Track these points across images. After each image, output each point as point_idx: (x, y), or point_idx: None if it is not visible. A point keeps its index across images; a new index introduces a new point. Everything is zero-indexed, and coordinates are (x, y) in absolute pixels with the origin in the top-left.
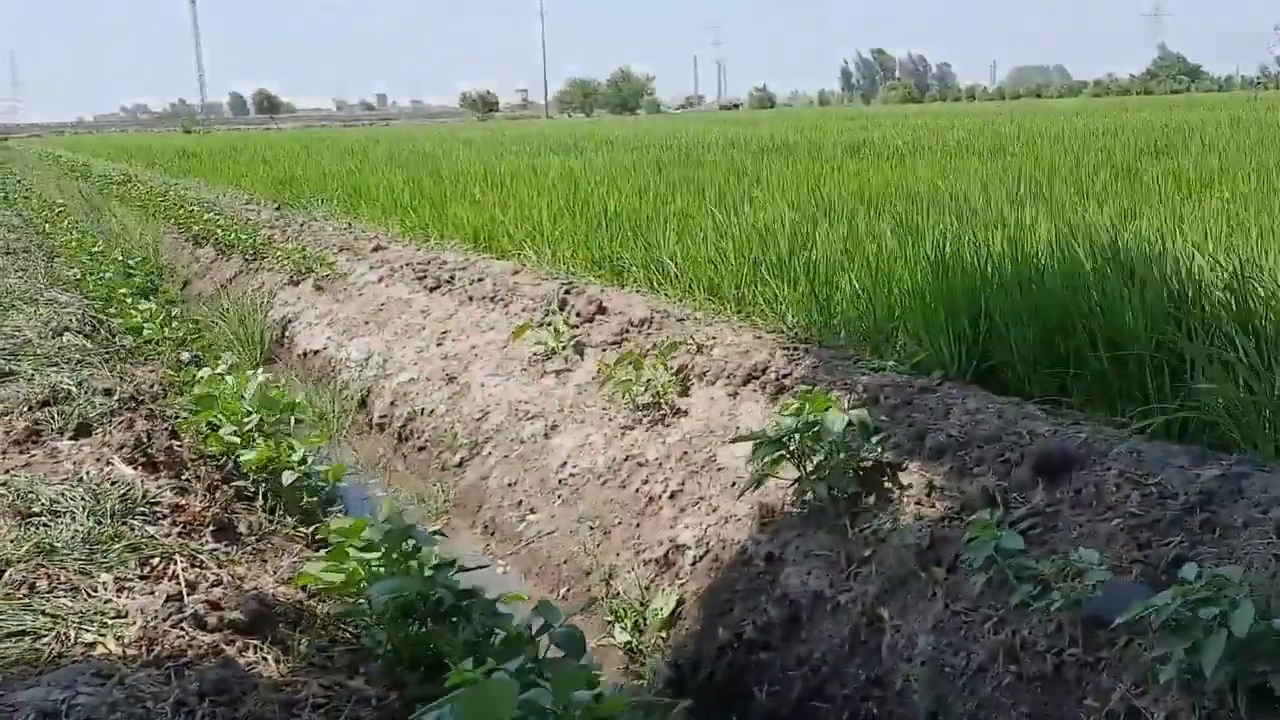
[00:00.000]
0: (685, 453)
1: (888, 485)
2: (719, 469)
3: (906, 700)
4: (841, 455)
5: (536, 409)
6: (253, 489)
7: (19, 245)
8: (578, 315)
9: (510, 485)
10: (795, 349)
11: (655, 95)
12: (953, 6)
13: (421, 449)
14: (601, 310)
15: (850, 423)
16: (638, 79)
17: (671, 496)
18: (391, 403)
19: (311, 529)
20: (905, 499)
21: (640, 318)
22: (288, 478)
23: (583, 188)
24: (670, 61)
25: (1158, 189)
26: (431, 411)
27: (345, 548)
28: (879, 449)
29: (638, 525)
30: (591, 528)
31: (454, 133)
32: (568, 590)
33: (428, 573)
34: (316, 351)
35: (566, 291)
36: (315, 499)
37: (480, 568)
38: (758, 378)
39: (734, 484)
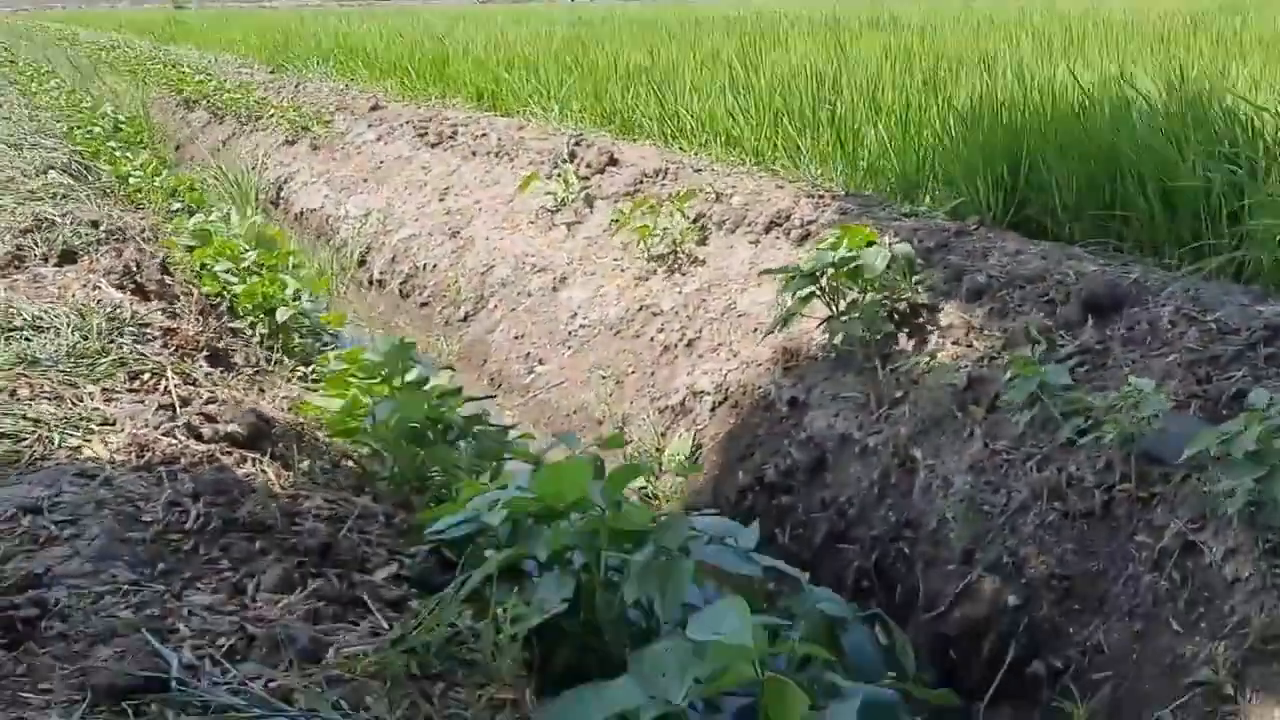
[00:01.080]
0: (703, 300)
1: (924, 326)
2: (740, 315)
3: (941, 540)
4: (878, 294)
5: (545, 261)
6: (249, 330)
7: (2, 103)
8: (588, 166)
9: (517, 338)
10: (820, 197)
11: None
12: None
13: (424, 305)
14: (613, 162)
15: (894, 257)
16: None
17: (688, 345)
18: (392, 259)
19: (309, 368)
20: (942, 339)
21: (654, 168)
22: (282, 314)
23: (591, 50)
24: None
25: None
26: (434, 267)
27: (345, 376)
28: (916, 289)
29: (652, 374)
30: (604, 377)
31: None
32: (580, 437)
33: (434, 399)
34: (313, 210)
35: (576, 143)
36: (314, 341)
37: (489, 397)
38: (780, 225)
39: (755, 330)
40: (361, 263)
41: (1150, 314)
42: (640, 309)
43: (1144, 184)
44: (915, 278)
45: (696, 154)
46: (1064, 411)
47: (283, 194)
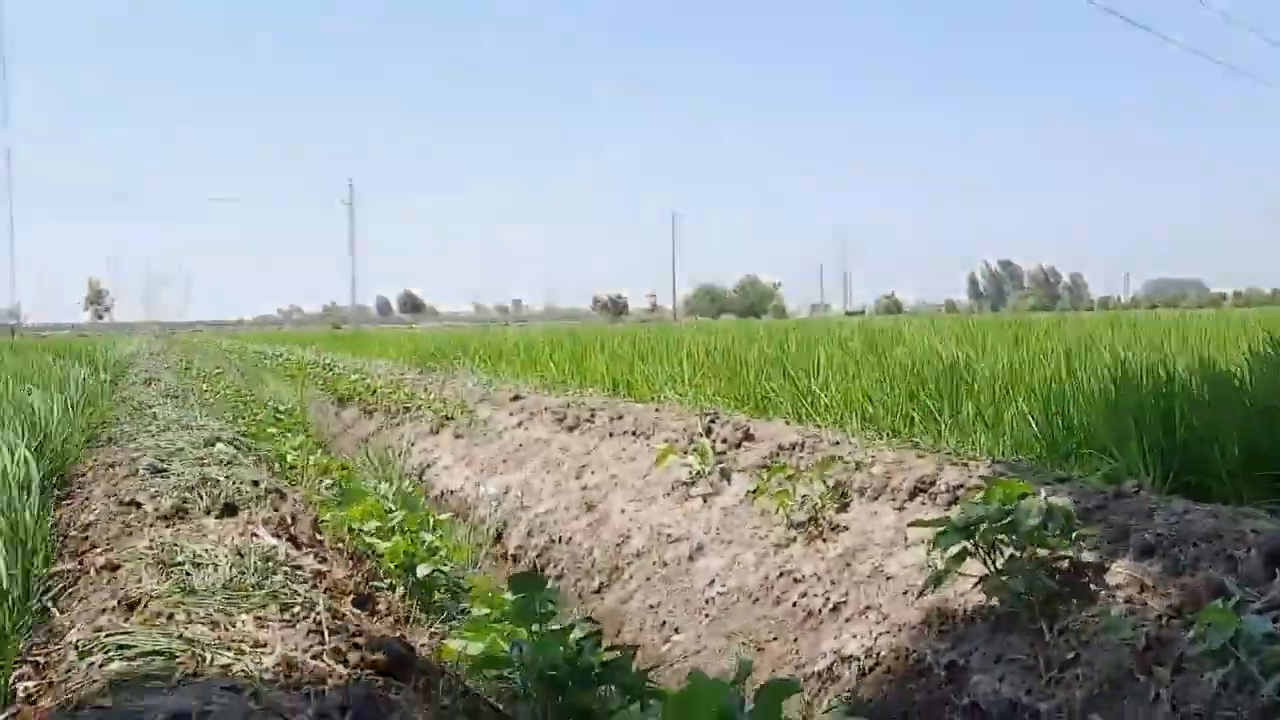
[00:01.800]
0: (848, 565)
1: (1090, 585)
2: (888, 578)
3: None
4: (1038, 550)
5: (680, 532)
6: (391, 583)
7: (177, 394)
8: (723, 441)
9: (653, 607)
10: (965, 464)
11: (781, 301)
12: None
13: (559, 577)
14: (749, 437)
15: (1050, 511)
16: (764, 285)
17: (834, 609)
18: (528, 533)
19: (447, 626)
20: (1112, 598)
21: (791, 442)
22: (422, 570)
23: (721, 342)
24: (796, 269)
25: None
26: (569, 539)
27: (487, 621)
28: (1079, 546)
29: (795, 640)
30: (743, 643)
31: (586, 328)
32: None
33: (575, 643)
34: (453, 491)
35: (711, 420)
36: (453, 601)
37: (632, 647)
38: (925, 490)
39: (905, 592)
40: (498, 539)
41: None
42: (780, 575)
43: None
44: (1076, 533)
45: (832, 429)
46: (1264, 668)
47: (425, 477)
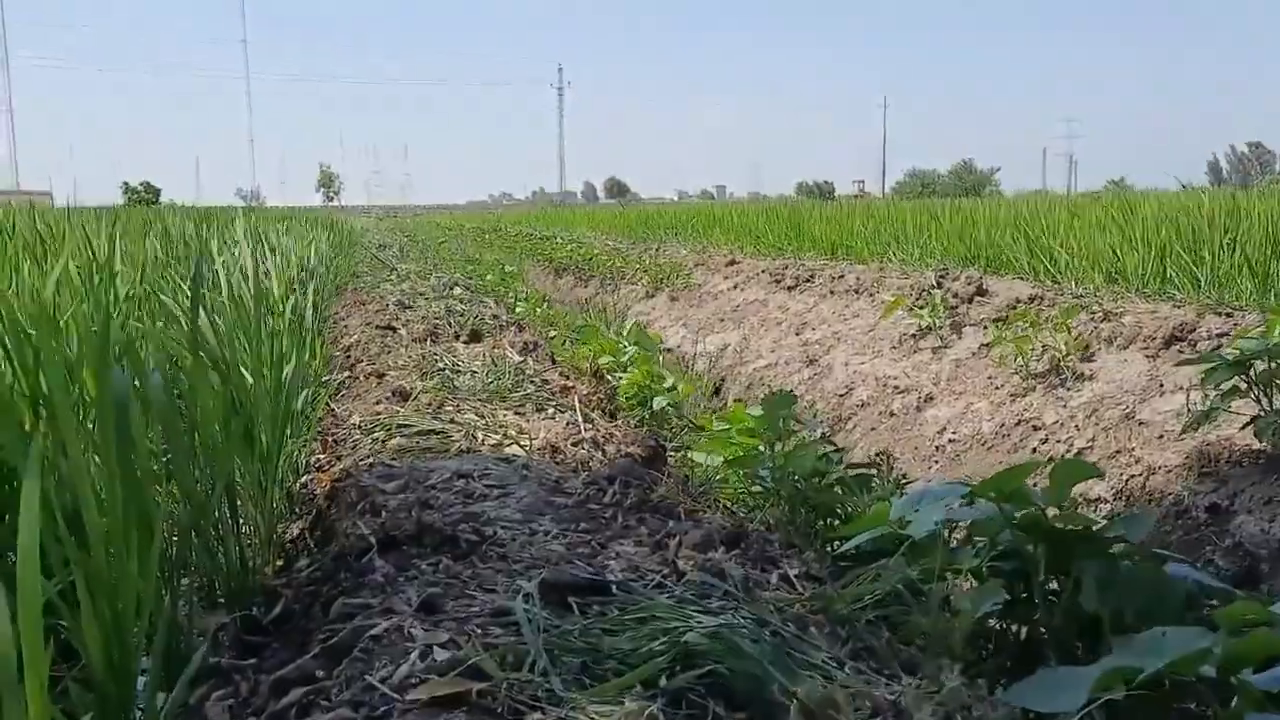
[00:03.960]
0: (1095, 411)
1: None
2: (1140, 424)
3: None
4: None
5: (909, 382)
6: (628, 415)
7: (409, 257)
8: (954, 296)
9: (879, 454)
10: (1229, 314)
11: (999, 187)
12: None
13: None
14: (981, 291)
15: None
16: (980, 171)
17: (1079, 454)
18: (747, 386)
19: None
20: None
21: (1028, 295)
22: (658, 403)
23: (946, 209)
24: (1017, 154)
25: None
26: (790, 391)
27: (727, 436)
28: None
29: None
30: None
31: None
32: None
33: (820, 454)
34: (670, 350)
35: (942, 275)
36: (683, 430)
37: (873, 464)
38: (1184, 338)
39: (1160, 436)
40: (716, 392)
41: None
42: (1019, 423)
43: None
44: None
45: (1075, 284)
46: None
47: None
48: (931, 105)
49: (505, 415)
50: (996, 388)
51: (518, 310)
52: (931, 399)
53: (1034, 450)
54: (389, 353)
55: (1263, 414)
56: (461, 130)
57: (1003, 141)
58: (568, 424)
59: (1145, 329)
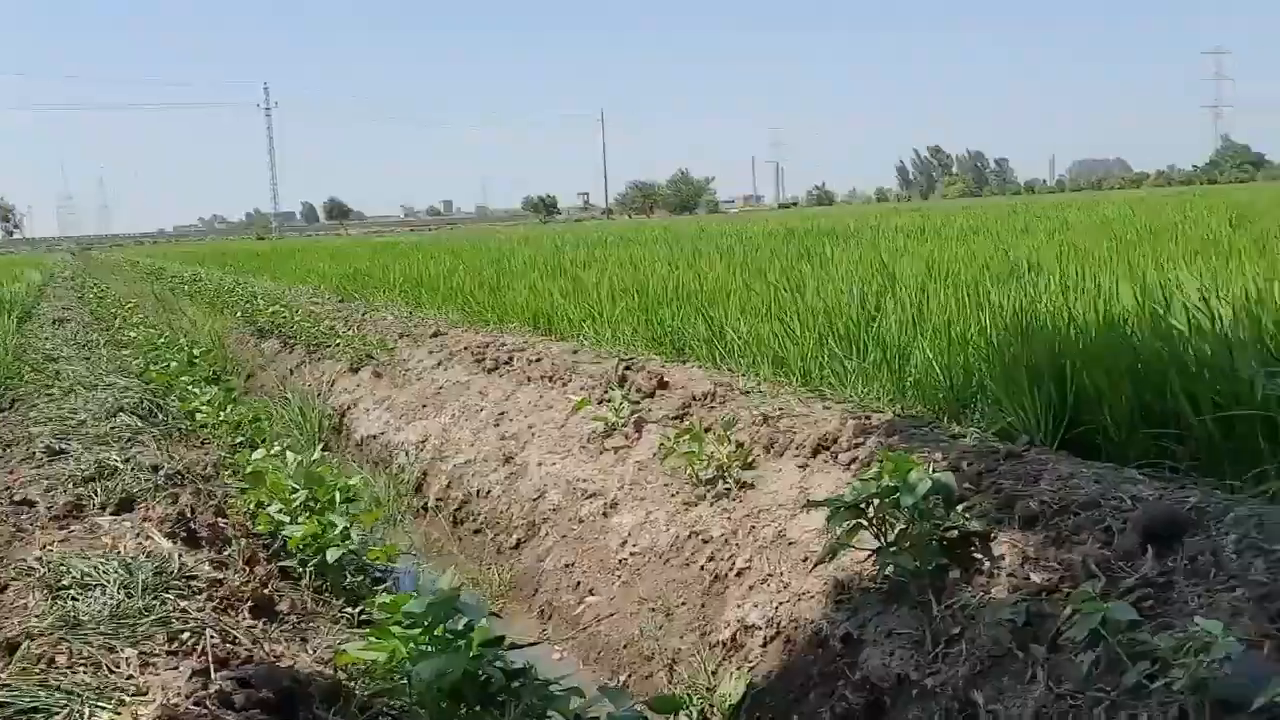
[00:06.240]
0: (753, 527)
1: (976, 556)
2: (789, 544)
3: None
4: (925, 523)
5: (595, 487)
6: (299, 568)
7: (88, 338)
8: (638, 391)
9: (568, 566)
10: (867, 419)
11: (714, 195)
12: (1009, 103)
13: (477, 531)
14: (663, 385)
15: (935, 486)
16: (697, 181)
17: (738, 574)
18: (447, 485)
19: (358, 609)
20: (997, 571)
21: (703, 391)
22: (332, 554)
23: (642, 269)
24: (729, 164)
25: (1239, 256)
26: (487, 493)
27: (388, 625)
28: (965, 517)
29: (703, 605)
30: (653, 609)
31: (514, 234)
32: (629, 676)
33: (475, 650)
34: (374, 437)
35: (627, 368)
36: (363, 579)
37: (532, 644)
38: (828, 448)
39: (805, 559)
40: (418, 489)
41: (1213, 543)
42: (690, 535)
43: (1197, 404)
44: (963, 505)
45: (745, 375)
46: (1131, 653)
47: (345, 420)
48: (649, 119)
49: (128, 660)
50: (672, 495)
51: (199, 417)
52: (617, 505)
53: (702, 567)
54: (14, 544)
55: (881, 547)
56: (169, 152)
57: (717, 153)
58: (192, 674)
59: (798, 436)
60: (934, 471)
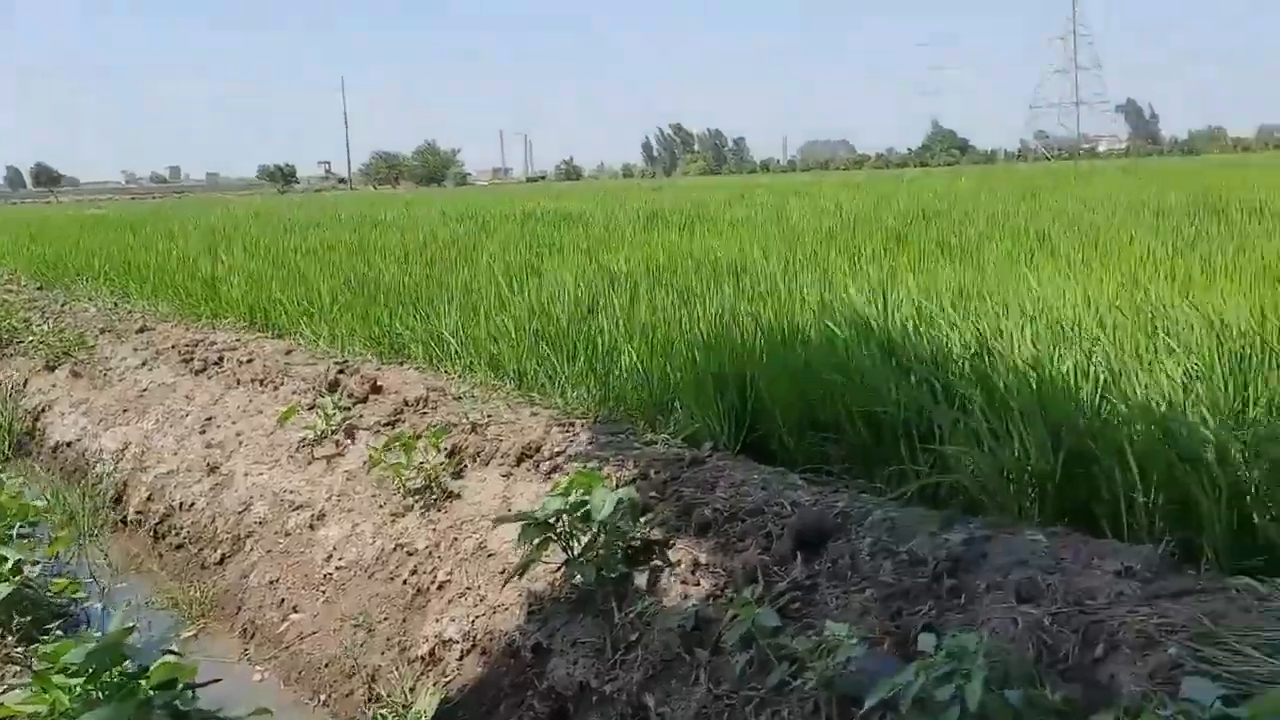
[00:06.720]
0: (456, 539)
1: (656, 564)
2: (489, 556)
3: None
4: (609, 535)
5: (303, 498)
6: None
7: None
8: (350, 396)
9: (272, 583)
10: (571, 425)
11: (462, 168)
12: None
13: (180, 546)
14: (376, 389)
15: (620, 501)
16: (444, 152)
17: (440, 588)
18: (149, 497)
19: (32, 645)
20: (672, 578)
21: (416, 396)
22: (2, 590)
23: (374, 264)
24: (477, 136)
25: (922, 254)
26: (191, 505)
27: (49, 675)
28: (647, 527)
29: (404, 620)
30: (356, 625)
31: (248, 206)
32: (329, 695)
33: (146, 694)
34: (70, 443)
35: (340, 371)
36: (45, 613)
37: (214, 681)
38: (531, 457)
39: (503, 571)
40: (118, 501)
41: (852, 546)
42: (396, 548)
43: (849, 408)
44: (648, 515)
45: (461, 376)
46: (776, 654)
47: (39, 425)
48: (392, 88)
49: None
50: (380, 506)
51: None
52: (324, 517)
53: (405, 581)
54: None
55: (570, 559)
56: None
57: (465, 121)
58: None
59: (504, 445)
60: (625, 481)
